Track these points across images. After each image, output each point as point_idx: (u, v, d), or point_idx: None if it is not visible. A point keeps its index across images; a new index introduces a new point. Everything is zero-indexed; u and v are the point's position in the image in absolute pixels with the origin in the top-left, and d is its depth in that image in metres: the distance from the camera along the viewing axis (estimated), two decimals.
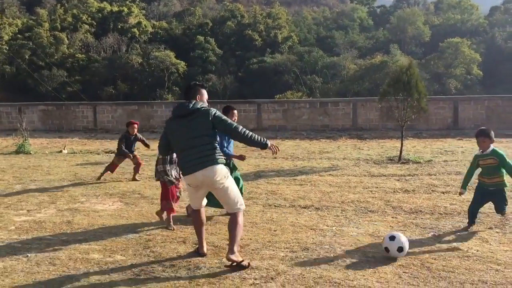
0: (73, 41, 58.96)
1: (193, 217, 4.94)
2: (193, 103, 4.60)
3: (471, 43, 53.68)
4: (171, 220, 5.87)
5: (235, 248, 4.43)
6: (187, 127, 4.49)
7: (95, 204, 7.26)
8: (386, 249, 4.61)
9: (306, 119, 19.94)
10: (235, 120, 6.65)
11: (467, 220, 5.64)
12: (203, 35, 60.30)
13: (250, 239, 5.30)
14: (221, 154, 4.63)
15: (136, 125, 9.62)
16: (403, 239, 4.62)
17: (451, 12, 67.51)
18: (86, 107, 22.92)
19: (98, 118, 22.36)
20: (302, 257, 4.69)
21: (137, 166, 9.54)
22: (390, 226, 5.74)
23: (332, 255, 4.74)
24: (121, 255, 4.87)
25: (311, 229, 5.67)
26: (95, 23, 63.08)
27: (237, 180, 6.23)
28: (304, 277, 4.16)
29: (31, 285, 4.10)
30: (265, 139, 4.64)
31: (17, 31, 58.72)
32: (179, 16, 73.20)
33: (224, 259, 4.47)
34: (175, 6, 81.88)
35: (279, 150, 4.78)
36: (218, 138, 4.68)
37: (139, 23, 63.98)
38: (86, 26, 61.80)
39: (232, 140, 6.48)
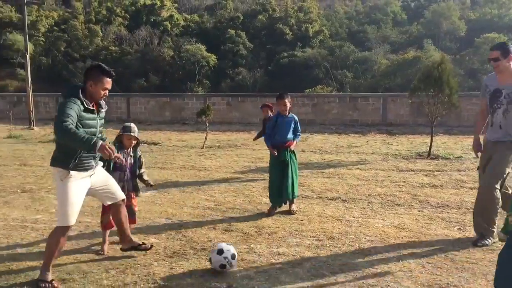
0: (107, 33, 60.08)
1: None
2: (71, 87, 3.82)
3: (508, 39, 52.21)
4: (106, 237, 4.78)
5: (44, 268, 3.87)
6: None
7: None
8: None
9: (335, 114, 19.96)
10: (288, 109, 6.02)
11: None
12: (234, 29, 60.47)
13: (278, 227, 5.48)
14: (63, 153, 3.87)
15: (271, 107, 8.00)
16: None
17: (488, 6, 65.72)
18: (120, 99, 23.52)
19: (131, 109, 22.93)
20: (328, 245, 4.84)
21: None
22: (416, 219, 5.82)
23: (357, 244, 4.87)
24: (154, 238, 5.13)
25: (337, 219, 5.80)
26: (128, 16, 64.08)
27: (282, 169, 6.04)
28: (329, 264, 4.32)
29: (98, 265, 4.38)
30: (94, 138, 3.55)
31: (53, 24, 60.22)
32: (210, 10, 73.60)
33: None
34: None
35: (113, 156, 3.62)
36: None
37: (171, 16, 64.64)
38: (120, 19, 62.87)
39: (281, 126, 6.08)
